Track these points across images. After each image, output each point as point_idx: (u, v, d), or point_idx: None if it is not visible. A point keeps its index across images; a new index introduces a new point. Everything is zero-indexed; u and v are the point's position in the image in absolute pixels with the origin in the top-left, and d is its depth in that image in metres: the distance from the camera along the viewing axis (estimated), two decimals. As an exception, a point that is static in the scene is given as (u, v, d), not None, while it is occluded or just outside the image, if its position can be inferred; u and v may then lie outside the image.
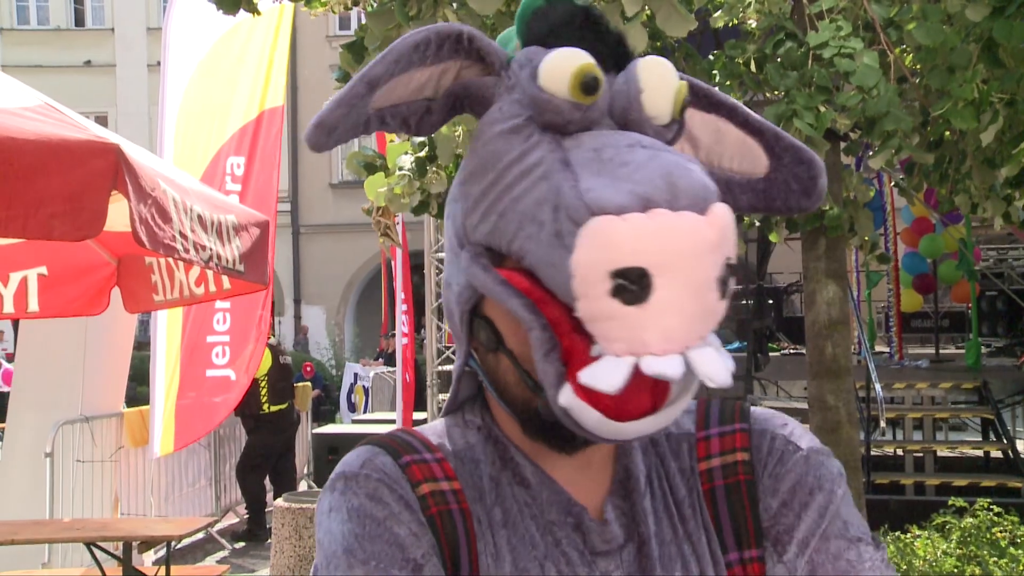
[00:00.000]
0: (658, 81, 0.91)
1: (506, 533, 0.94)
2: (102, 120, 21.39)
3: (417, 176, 3.64)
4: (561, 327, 0.83)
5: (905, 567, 4.78)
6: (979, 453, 9.32)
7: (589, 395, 0.82)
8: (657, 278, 0.78)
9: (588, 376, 0.82)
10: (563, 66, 0.89)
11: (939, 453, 8.70)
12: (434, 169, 3.64)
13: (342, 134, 0.96)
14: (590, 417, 0.83)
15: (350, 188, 21.92)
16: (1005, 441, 8.39)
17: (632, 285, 0.78)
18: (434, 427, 1.03)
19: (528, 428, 0.94)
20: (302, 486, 10.28)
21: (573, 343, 0.83)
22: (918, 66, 3.68)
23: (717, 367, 0.82)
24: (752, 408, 1.08)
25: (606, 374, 0.81)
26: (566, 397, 0.83)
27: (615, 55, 0.95)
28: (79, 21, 24.54)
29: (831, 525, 0.97)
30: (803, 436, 1.03)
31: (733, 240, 0.83)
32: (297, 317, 22.45)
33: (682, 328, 0.80)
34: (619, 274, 0.78)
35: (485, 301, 0.92)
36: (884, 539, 5.04)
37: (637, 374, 0.80)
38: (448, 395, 1.05)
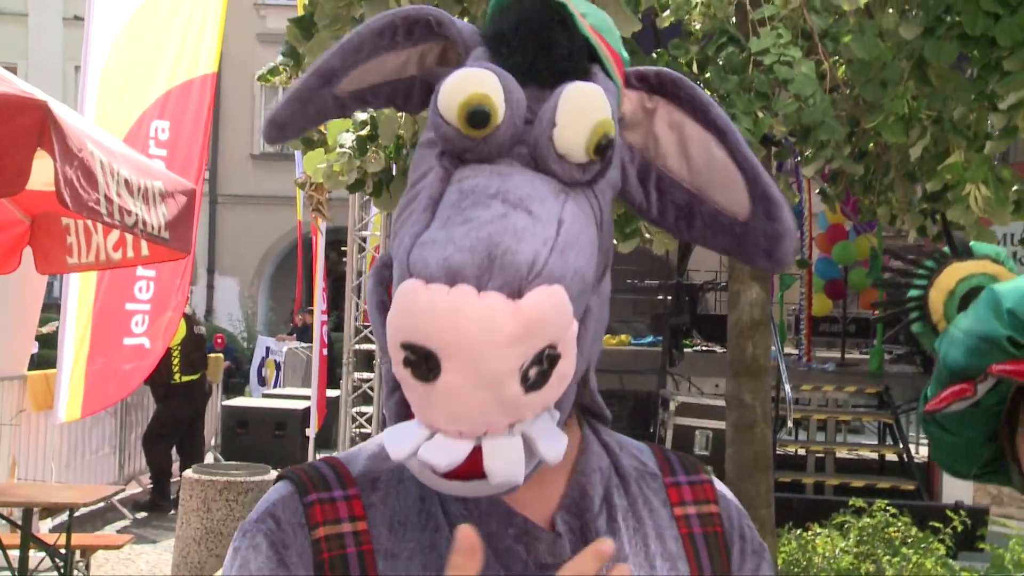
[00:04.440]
0: (574, 116, 0.83)
1: (434, 556, 0.90)
2: (11, 70, 20.54)
3: (357, 155, 3.62)
4: None
5: (805, 563, 4.94)
6: (874, 456, 9.66)
7: None
8: (444, 361, 0.74)
9: (390, 435, 0.80)
10: (454, 93, 0.84)
11: (838, 454, 8.99)
12: (374, 148, 3.62)
13: (298, 126, 0.98)
14: (412, 465, 0.80)
15: (271, 160, 21.56)
16: (901, 445, 8.72)
17: (420, 362, 0.74)
18: (369, 448, 0.98)
19: None
20: (208, 458, 10.13)
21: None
22: (849, 78, 3.79)
23: (503, 462, 0.77)
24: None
25: (398, 440, 0.79)
26: None
27: (561, 70, 0.88)
28: (-9, -34, 23.61)
29: None
30: (750, 520, 1.07)
31: (549, 328, 0.75)
32: (210, 287, 22.04)
33: (472, 416, 0.76)
34: (408, 347, 0.75)
35: None
36: (788, 535, 5.20)
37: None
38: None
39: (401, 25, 0.95)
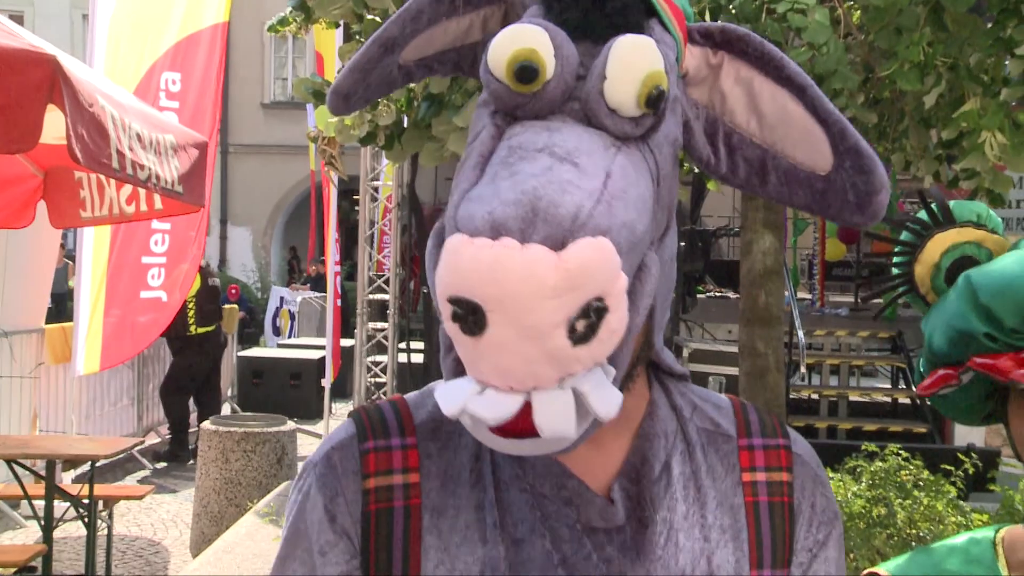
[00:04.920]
0: (624, 68, 0.83)
1: (479, 516, 0.91)
2: (17, 19, 20.43)
3: (368, 108, 3.60)
4: None
5: (818, 507, 4.97)
6: (887, 399, 9.69)
7: None
8: (490, 314, 0.73)
9: (442, 390, 0.80)
10: (502, 49, 0.84)
11: (851, 398, 9.02)
12: (385, 101, 3.61)
13: (363, 96, 0.99)
14: (465, 421, 0.80)
15: (282, 109, 21.48)
16: (914, 388, 8.73)
17: (467, 315, 0.74)
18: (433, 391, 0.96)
19: None
20: (225, 409, 10.24)
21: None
22: (863, 24, 3.73)
23: (552, 416, 0.76)
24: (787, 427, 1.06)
25: (450, 395, 0.79)
26: None
27: (615, 24, 0.87)
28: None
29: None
30: (828, 487, 1.04)
31: (594, 279, 0.73)
32: (223, 237, 22.09)
33: (519, 369, 0.75)
34: (455, 301, 0.74)
35: None
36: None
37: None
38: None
39: None
